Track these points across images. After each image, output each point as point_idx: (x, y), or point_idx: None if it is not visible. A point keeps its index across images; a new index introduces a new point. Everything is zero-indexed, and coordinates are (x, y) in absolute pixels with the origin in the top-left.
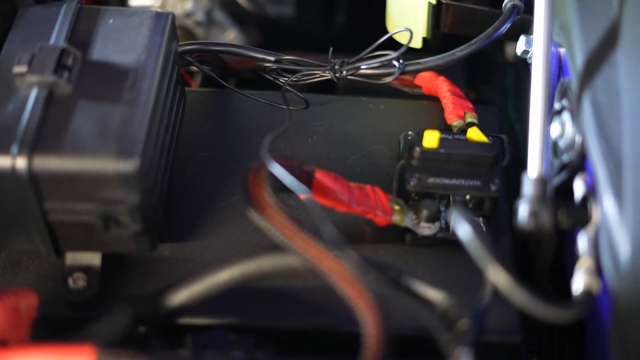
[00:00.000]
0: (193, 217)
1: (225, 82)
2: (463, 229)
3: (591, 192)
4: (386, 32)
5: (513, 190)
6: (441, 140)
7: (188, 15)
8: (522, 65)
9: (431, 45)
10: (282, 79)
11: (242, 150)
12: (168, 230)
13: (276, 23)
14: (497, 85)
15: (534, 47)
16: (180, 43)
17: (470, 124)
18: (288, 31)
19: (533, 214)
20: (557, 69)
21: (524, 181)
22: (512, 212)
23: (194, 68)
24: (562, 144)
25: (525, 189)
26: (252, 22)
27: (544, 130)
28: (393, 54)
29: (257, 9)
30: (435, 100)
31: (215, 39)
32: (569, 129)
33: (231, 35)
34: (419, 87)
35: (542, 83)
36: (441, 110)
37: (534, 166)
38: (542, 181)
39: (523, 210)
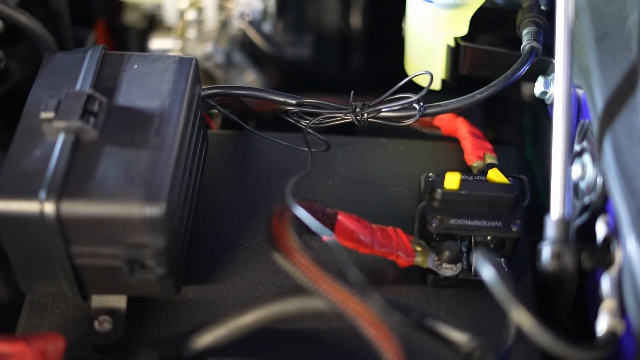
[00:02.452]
0: (216, 259)
1: (245, 123)
2: (486, 272)
3: (613, 233)
4: (402, 72)
5: (531, 228)
6: (462, 181)
7: (208, 58)
8: (539, 105)
9: (448, 86)
10: (303, 122)
11: (264, 193)
12: (192, 272)
13: (294, 64)
14: (514, 124)
15: (555, 90)
16: (202, 87)
17: (490, 165)
18: (306, 72)
19: (556, 256)
20: (577, 110)
21: (546, 223)
22: (535, 252)
23: (214, 110)
24: (583, 185)
25: (548, 230)
26: (271, 63)
27: (565, 172)
28: (413, 97)
29: (275, 51)
30: (454, 141)
31: (234, 81)
32: (590, 170)
33: (250, 77)
34: (438, 128)
35: (563, 125)
36: (460, 151)
37: (556, 208)
38: (565, 223)
39: (546, 252)
